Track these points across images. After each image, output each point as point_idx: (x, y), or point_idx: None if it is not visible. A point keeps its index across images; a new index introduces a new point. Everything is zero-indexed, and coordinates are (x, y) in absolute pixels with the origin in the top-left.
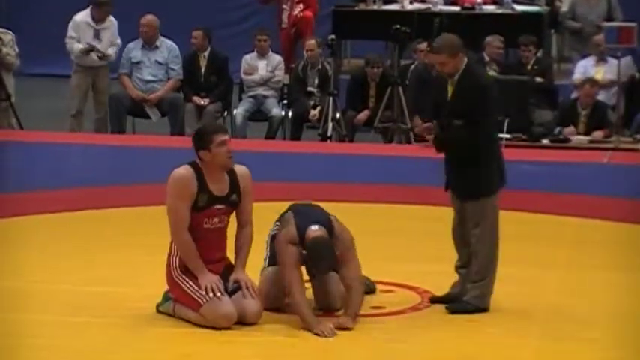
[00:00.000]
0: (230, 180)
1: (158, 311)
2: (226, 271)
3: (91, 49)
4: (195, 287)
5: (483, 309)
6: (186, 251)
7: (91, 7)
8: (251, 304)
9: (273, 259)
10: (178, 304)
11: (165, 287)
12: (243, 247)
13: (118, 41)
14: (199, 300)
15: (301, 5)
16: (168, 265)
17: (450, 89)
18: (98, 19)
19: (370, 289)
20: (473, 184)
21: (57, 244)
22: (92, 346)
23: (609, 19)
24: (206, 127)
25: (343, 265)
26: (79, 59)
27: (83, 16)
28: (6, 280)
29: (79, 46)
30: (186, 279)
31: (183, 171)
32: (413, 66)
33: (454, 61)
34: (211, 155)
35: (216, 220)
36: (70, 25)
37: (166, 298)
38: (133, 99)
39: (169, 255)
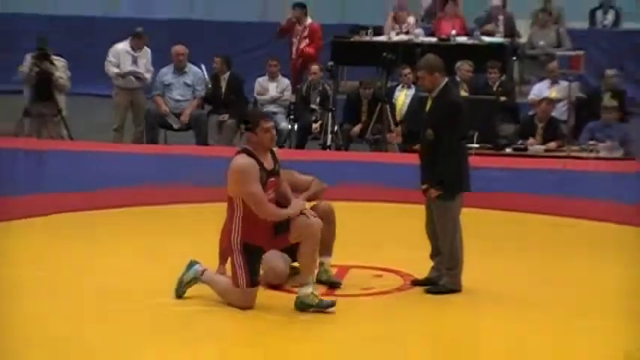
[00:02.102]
0: (271, 153)
1: (178, 294)
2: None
3: (127, 74)
4: (242, 270)
5: (456, 290)
6: (275, 216)
7: (130, 38)
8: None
9: None
10: (207, 271)
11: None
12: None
13: (152, 68)
14: (240, 280)
15: (307, 40)
16: (230, 241)
17: (428, 103)
18: (136, 47)
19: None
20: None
21: (101, 238)
22: (118, 330)
23: (559, 46)
24: (254, 112)
25: (298, 183)
26: (119, 82)
27: (123, 45)
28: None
29: (114, 70)
30: (239, 258)
31: (246, 160)
32: (399, 88)
33: (431, 77)
34: (257, 138)
35: (270, 192)
36: (110, 51)
37: (190, 266)
38: (165, 115)
39: (231, 234)
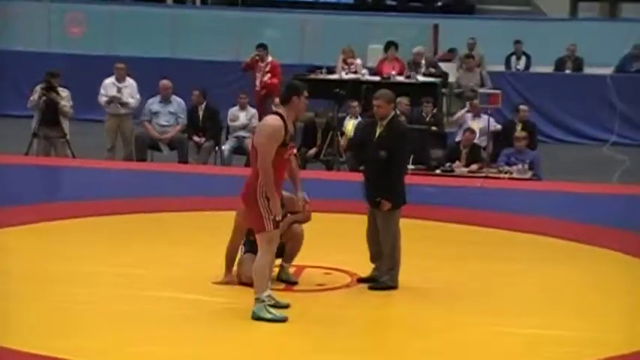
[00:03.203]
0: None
1: None
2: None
3: (111, 100)
4: (270, 215)
5: (394, 287)
6: (268, 177)
7: (114, 72)
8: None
9: (248, 247)
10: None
11: None
12: (297, 175)
13: (137, 96)
14: (267, 225)
15: (269, 74)
16: (253, 188)
17: (378, 130)
18: (119, 78)
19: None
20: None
21: (101, 240)
22: (131, 310)
23: (482, 86)
24: (297, 84)
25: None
26: (107, 108)
27: (110, 79)
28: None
29: (103, 99)
30: (265, 202)
31: (278, 122)
32: (347, 118)
33: (387, 106)
34: (299, 101)
35: (291, 152)
36: (102, 85)
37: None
38: (152, 138)
39: (255, 182)
